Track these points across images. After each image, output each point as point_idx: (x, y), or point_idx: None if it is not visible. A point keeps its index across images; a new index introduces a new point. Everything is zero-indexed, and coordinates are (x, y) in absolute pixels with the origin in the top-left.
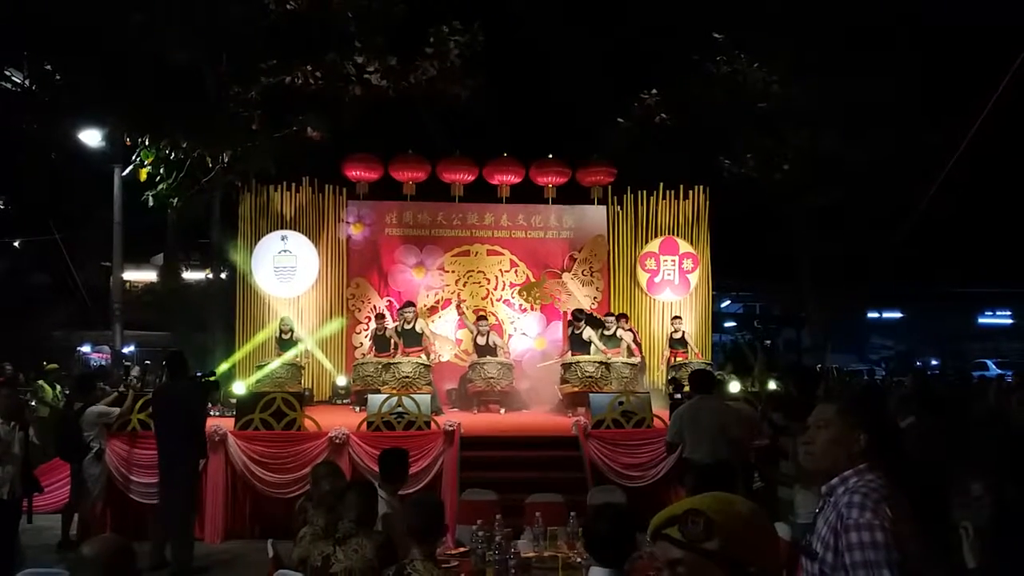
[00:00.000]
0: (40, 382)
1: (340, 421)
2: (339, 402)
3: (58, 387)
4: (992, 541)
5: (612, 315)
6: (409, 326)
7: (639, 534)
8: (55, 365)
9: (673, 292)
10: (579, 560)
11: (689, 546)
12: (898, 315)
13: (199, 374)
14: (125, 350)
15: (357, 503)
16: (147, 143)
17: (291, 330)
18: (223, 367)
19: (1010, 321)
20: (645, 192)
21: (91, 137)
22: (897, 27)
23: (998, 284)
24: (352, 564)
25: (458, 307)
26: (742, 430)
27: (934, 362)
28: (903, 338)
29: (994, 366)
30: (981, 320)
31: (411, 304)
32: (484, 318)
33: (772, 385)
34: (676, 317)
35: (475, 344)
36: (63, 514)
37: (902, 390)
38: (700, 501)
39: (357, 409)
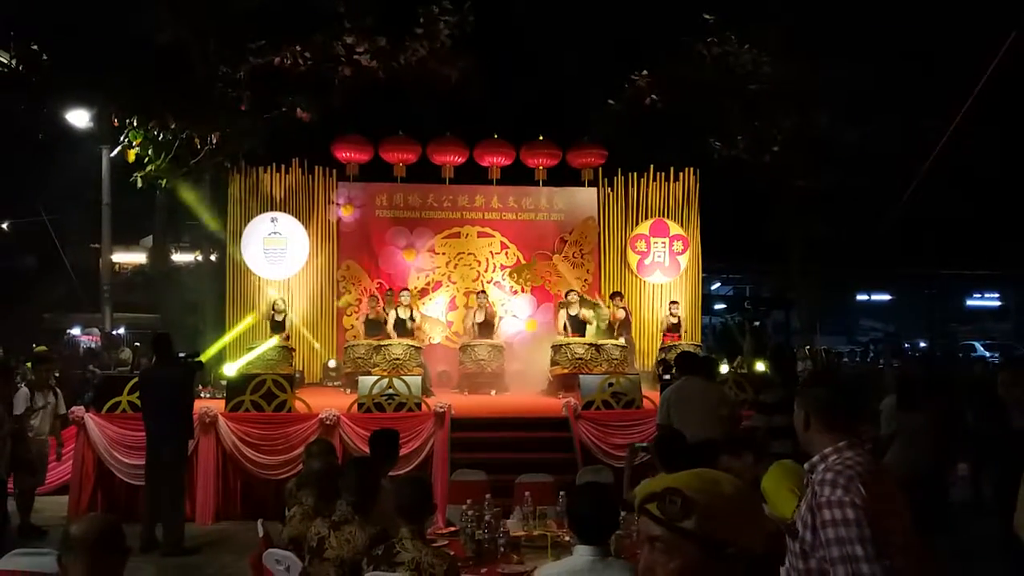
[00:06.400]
0: (28, 365)
1: (331, 403)
2: (330, 384)
3: None
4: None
5: (600, 301)
6: (405, 315)
7: (624, 513)
8: (44, 347)
9: (663, 274)
10: (568, 539)
11: (666, 524)
12: (887, 297)
13: (182, 355)
14: (115, 332)
15: (356, 484)
16: (135, 124)
17: (284, 312)
18: (213, 349)
19: (997, 303)
20: (635, 174)
21: (79, 118)
22: (889, 8)
23: (986, 266)
24: (343, 554)
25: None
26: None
27: (922, 344)
28: (892, 320)
29: (981, 347)
30: (969, 302)
31: (405, 290)
32: (483, 292)
33: (760, 367)
34: (673, 302)
35: (473, 320)
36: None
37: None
38: (681, 479)
39: (348, 391)
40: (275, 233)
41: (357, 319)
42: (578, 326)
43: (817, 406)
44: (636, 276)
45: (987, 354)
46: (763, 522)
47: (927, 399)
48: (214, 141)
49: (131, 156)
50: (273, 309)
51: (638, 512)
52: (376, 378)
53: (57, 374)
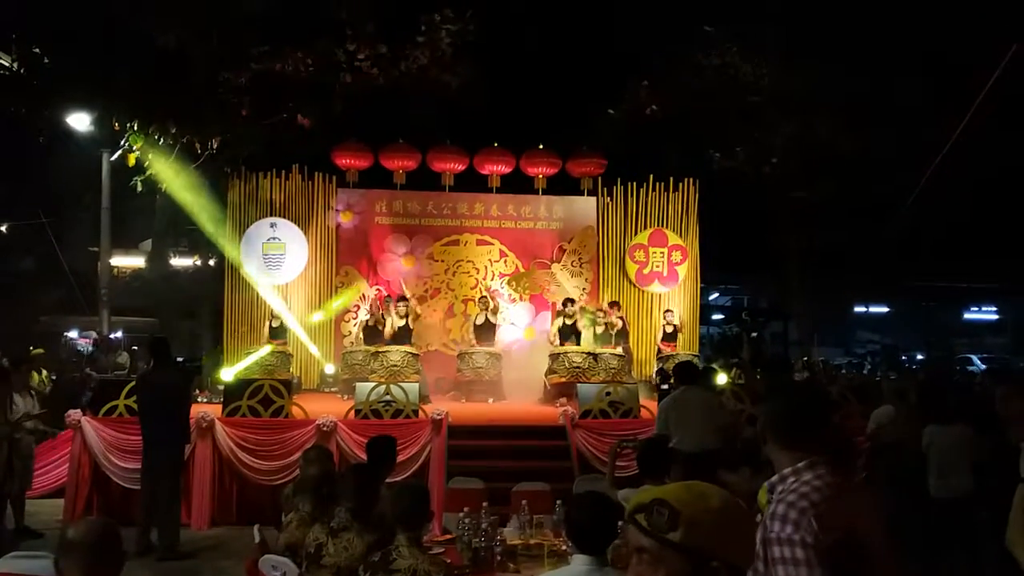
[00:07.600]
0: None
1: (328, 409)
2: (327, 390)
3: (44, 372)
4: None
5: (602, 310)
6: (402, 323)
7: (622, 522)
8: (41, 350)
9: (662, 284)
10: (565, 548)
11: (653, 534)
12: (885, 309)
13: (180, 360)
14: (112, 336)
15: (355, 490)
16: (136, 128)
17: (281, 320)
18: (211, 354)
19: (995, 316)
20: (635, 184)
21: (80, 121)
22: (888, 21)
23: (984, 280)
24: (340, 561)
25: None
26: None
27: (919, 356)
28: (889, 332)
29: (978, 361)
30: (967, 315)
31: (404, 299)
32: (484, 297)
33: (757, 378)
34: (668, 311)
35: (474, 325)
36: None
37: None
38: (671, 491)
39: (345, 397)
40: (274, 239)
41: (355, 325)
42: (571, 334)
43: (770, 422)
44: (634, 286)
45: (984, 367)
46: (753, 537)
47: (956, 412)
48: (214, 146)
49: (131, 160)
50: (272, 315)
51: (628, 522)
52: (373, 384)
53: (54, 377)
